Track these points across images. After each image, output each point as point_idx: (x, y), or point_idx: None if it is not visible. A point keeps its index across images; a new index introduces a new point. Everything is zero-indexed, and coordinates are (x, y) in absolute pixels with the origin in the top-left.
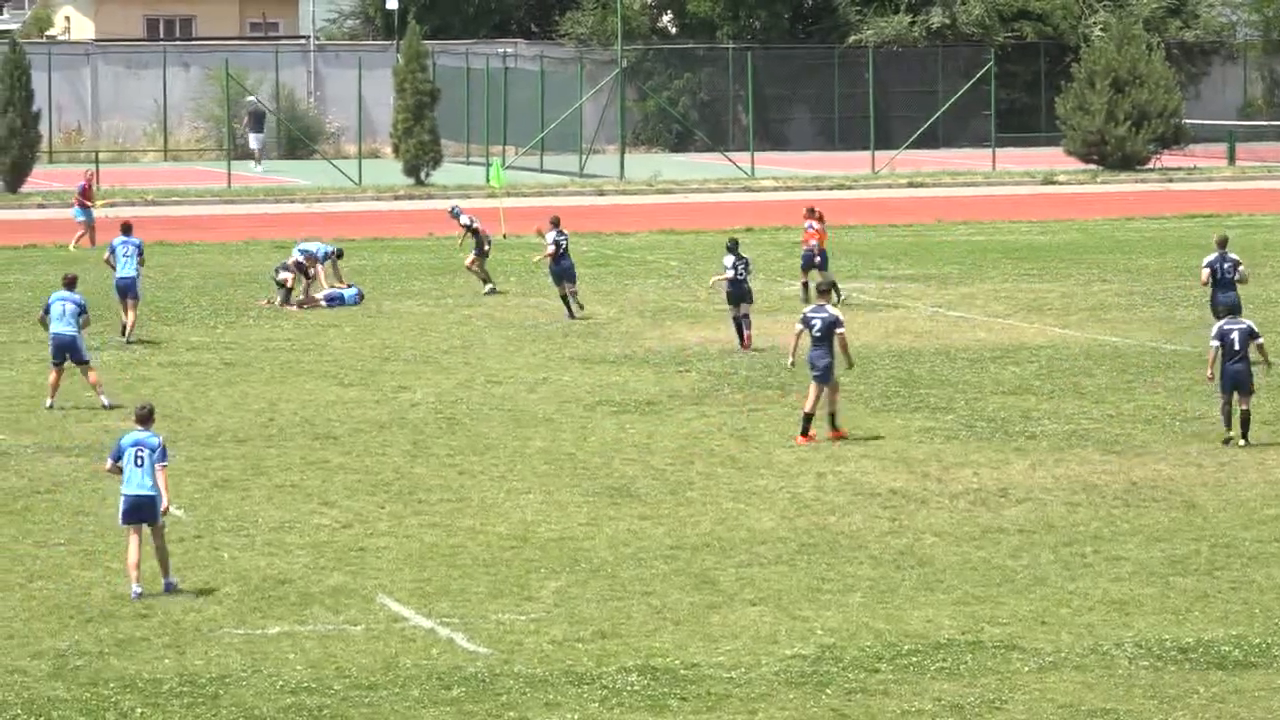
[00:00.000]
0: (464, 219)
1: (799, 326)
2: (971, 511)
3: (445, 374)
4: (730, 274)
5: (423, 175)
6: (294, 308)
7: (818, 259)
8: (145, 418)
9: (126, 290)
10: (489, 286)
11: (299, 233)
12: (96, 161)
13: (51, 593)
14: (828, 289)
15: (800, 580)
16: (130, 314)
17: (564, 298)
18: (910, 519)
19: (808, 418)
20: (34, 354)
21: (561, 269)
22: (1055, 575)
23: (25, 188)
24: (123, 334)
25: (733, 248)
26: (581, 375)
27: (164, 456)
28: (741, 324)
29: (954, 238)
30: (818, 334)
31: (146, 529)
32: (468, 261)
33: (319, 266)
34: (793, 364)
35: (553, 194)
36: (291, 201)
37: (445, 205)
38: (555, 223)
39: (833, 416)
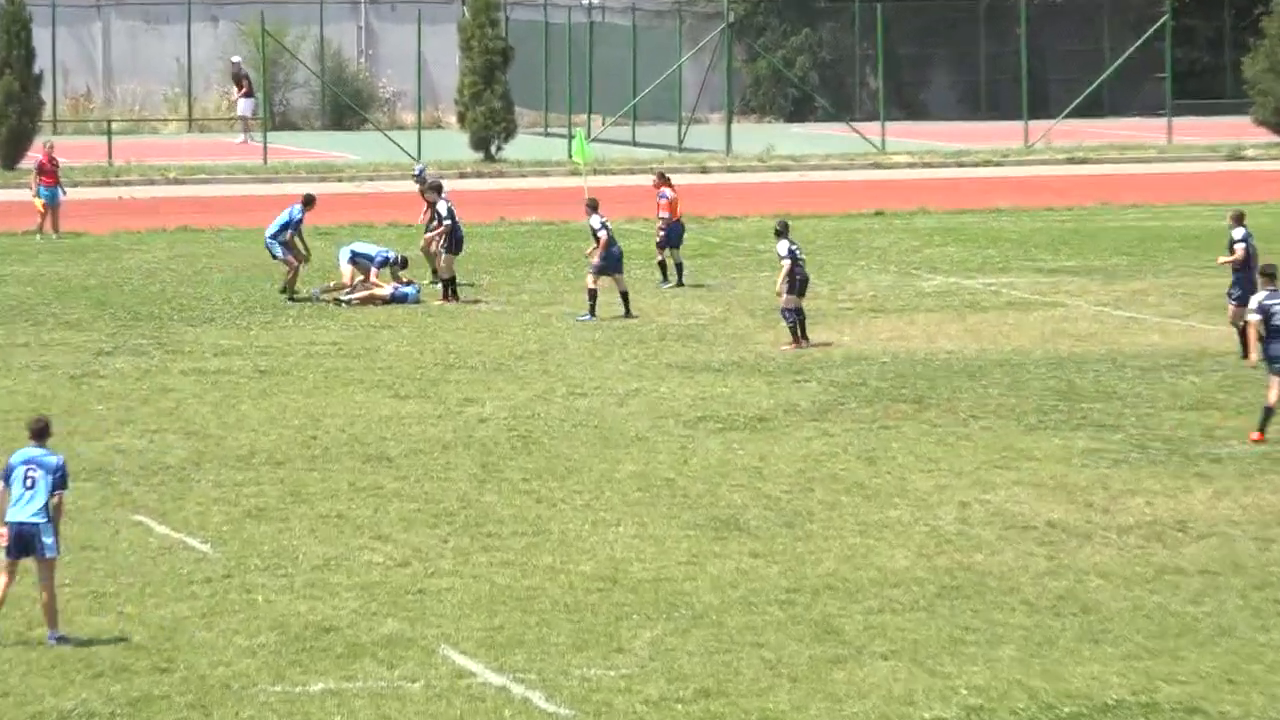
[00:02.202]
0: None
1: (1255, 316)
2: (1144, 549)
3: (519, 384)
4: (789, 262)
5: (493, 149)
6: (345, 303)
7: (661, 235)
8: (40, 432)
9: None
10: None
11: (347, 216)
12: (109, 132)
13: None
14: (1272, 272)
15: (940, 630)
16: None
17: (623, 293)
18: (1071, 557)
19: (1268, 412)
20: (34, 359)
21: (613, 257)
22: (1244, 625)
23: (25, 163)
24: None
25: (783, 231)
26: (681, 386)
27: (64, 482)
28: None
29: (1122, 223)
30: (1278, 323)
31: (34, 564)
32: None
33: (374, 273)
34: (1254, 362)
35: (647, 171)
36: (339, 180)
37: (520, 184)
38: (594, 206)
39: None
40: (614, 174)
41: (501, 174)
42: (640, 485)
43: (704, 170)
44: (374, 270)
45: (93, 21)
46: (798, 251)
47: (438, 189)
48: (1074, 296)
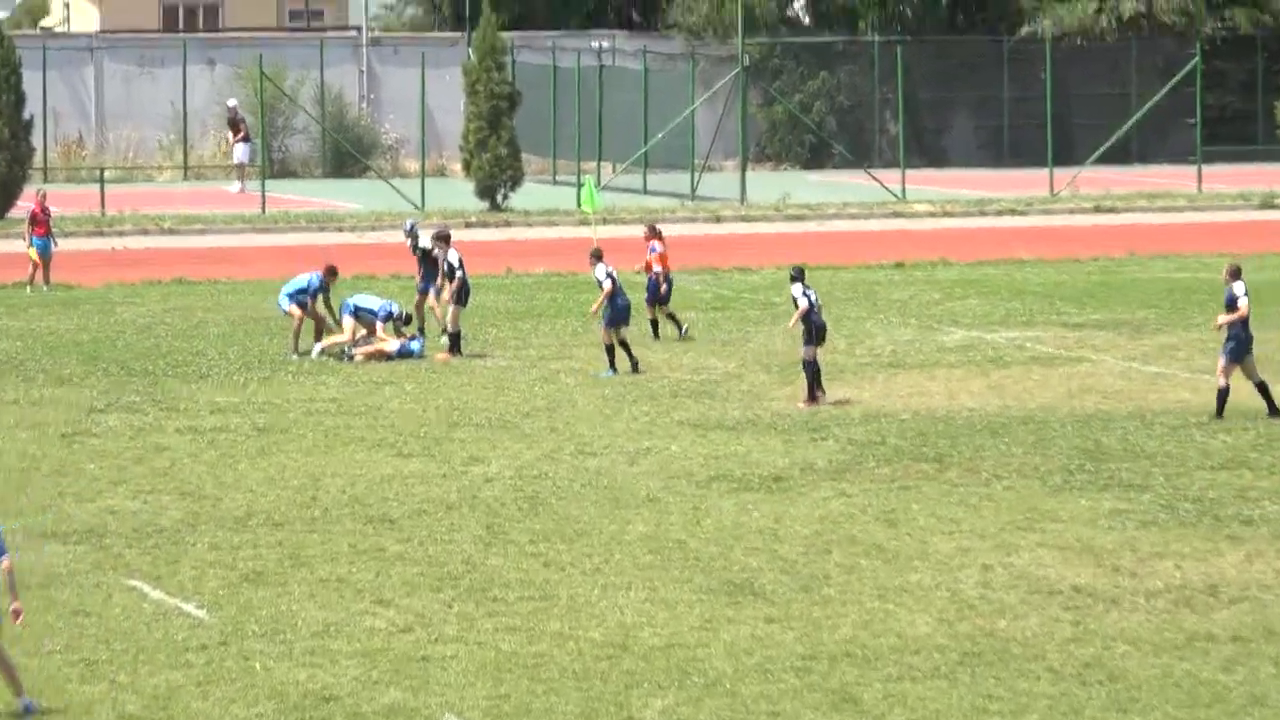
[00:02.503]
0: (425, 243)
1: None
2: (1173, 614)
3: (526, 443)
4: (805, 306)
5: (499, 198)
6: (349, 357)
7: (664, 288)
8: None
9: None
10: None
11: (350, 267)
12: (101, 180)
13: (45, 712)
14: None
15: (962, 698)
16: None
17: (623, 343)
18: (1098, 623)
19: None
20: (24, 416)
21: (620, 309)
22: (1277, 694)
23: (15, 212)
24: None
25: (798, 276)
26: (693, 444)
27: (2, 549)
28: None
29: (1150, 275)
30: None
31: None
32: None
33: (379, 326)
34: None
35: (658, 220)
36: (340, 229)
37: (527, 234)
38: (598, 256)
39: None
40: (624, 223)
41: (508, 224)
42: (651, 548)
43: (717, 219)
44: (379, 325)
45: (85, 64)
46: (814, 296)
47: (445, 239)
48: (1100, 351)
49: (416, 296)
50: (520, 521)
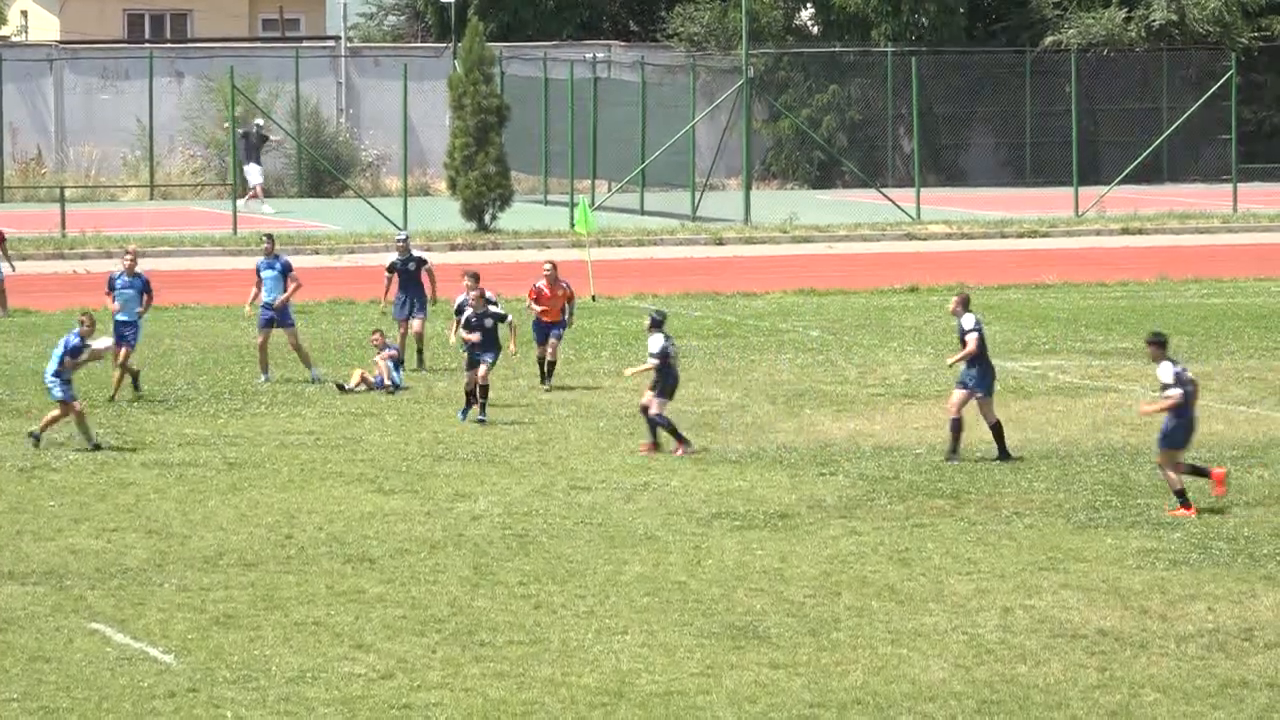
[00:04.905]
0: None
1: (1174, 391)
2: (1205, 659)
3: (516, 477)
4: (656, 360)
5: (487, 218)
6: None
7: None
8: None
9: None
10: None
11: (325, 291)
12: (62, 199)
13: None
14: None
15: None
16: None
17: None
18: (1125, 669)
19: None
20: None
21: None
22: None
23: None
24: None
25: (659, 323)
26: (694, 479)
27: None
28: (662, 422)
29: (1182, 300)
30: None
31: None
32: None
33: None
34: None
35: (656, 242)
36: (317, 252)
37: (517, 257)
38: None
39: None
40: (620, 245)
41: (496, 245)
42: (649, 589)
43: (720, 241)
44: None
45: (44, 76)
46: (671, 349)
47: (476, 277)
48: (1128, 381)
49: (403, 324)
50: (509, 561)
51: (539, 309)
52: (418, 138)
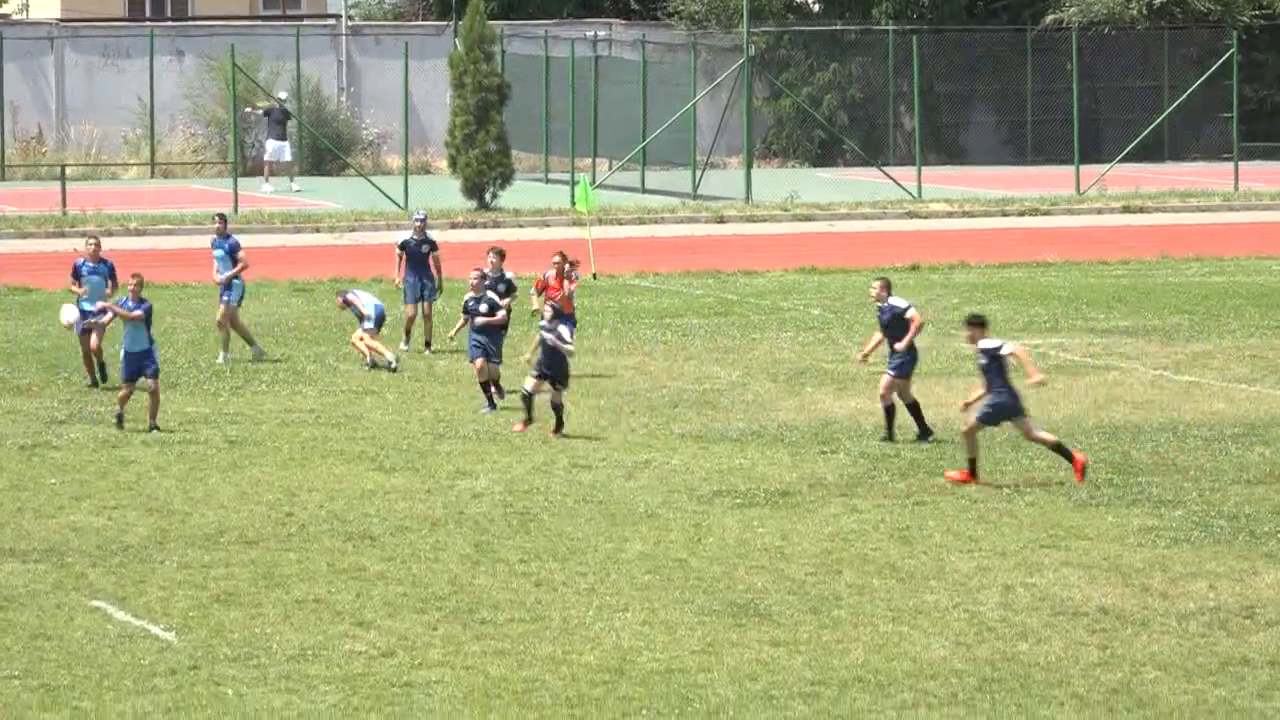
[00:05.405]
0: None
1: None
2: (1207, 637)
3: (517, 455)
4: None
5: (488, 196)
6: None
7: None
8: None
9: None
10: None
11: (328, 270)
12: (63, 178)
13: None
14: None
15: None
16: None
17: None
18: (1126, 647)
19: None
20: None
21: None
22: None
23: None
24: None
25: (557, 312)
26: (695, 457)
27: None
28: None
29: (1183, 278)
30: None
31: None
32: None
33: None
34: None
35: (657, 220)
36: (316, 230)
37: (518, 235)
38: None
39: None
40: (621, 224)
41: (497, 224)
42: (650, 567)
43: (720, 220)
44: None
45: (45, 55)
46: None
47: (501, 254)
48: (1130, 359)
49: (408, 308)
50: (510, 539)
51: (540, 300)
52: (418, 116)
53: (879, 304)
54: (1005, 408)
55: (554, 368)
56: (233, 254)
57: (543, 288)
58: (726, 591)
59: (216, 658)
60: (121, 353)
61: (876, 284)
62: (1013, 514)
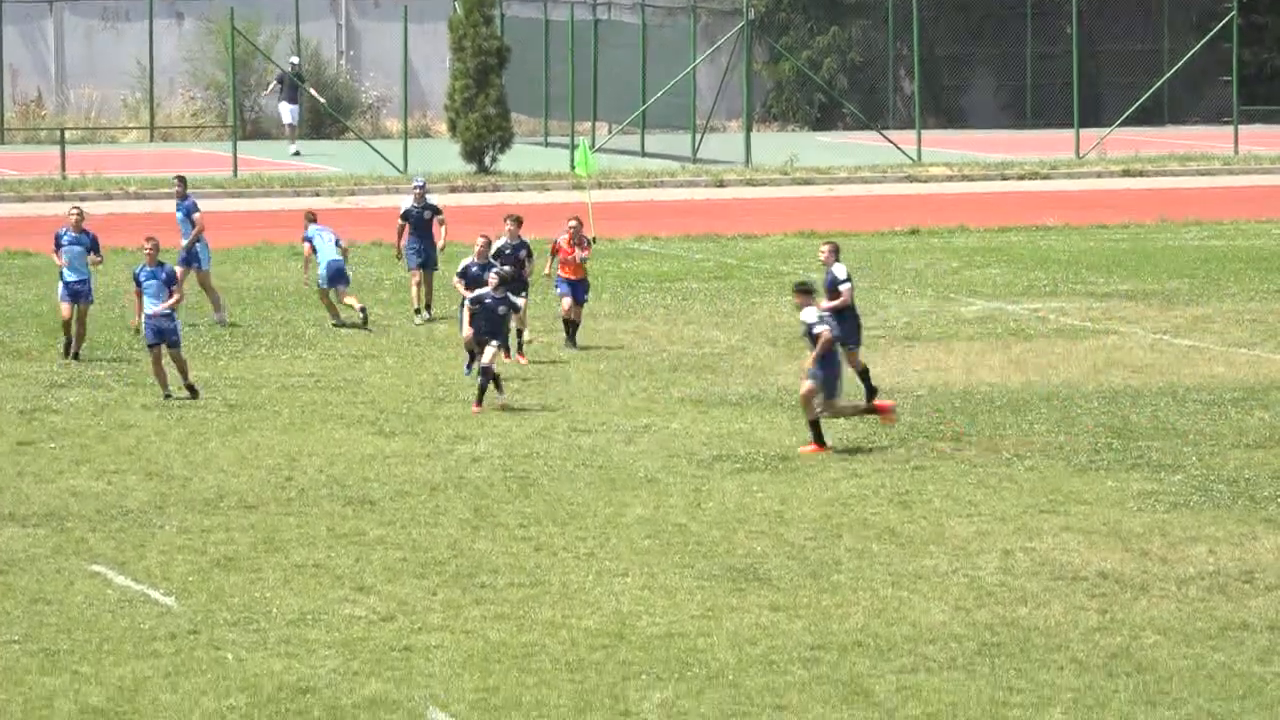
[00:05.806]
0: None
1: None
2: (1206, 602)
3: (516, 420)
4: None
5: (488, 160)
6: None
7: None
8: None
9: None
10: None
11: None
12: (62, 141)
13: (3, 704)
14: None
15: (980, 691)
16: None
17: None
18: (1125, 611)
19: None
20: None
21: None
22: None
23: None
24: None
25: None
26: (695, 422)
27: None
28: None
29: (1183, 242)
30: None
31: None
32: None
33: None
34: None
35: (657, 184)
36: (317, 194)
37: (517, 199)
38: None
39: None
40: (621, 188)
41: (497, 187)
42: (649, 531)
43: (720, 184)
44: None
45: (44, 19)
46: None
47: (519, 221)
48: (1129, 323)
49: (416, 272)
50: (510, 503)
51: (554, 264)
52: (418, 79)
53: (826, 267)
54: (825, 381)
55: (491, 325)
56: (189, 215)
57: (556, 251)
58: (726, 556)
59: (216, 622)
60: (142, 320)
61: (825, 247)
62: (1012, 479)
